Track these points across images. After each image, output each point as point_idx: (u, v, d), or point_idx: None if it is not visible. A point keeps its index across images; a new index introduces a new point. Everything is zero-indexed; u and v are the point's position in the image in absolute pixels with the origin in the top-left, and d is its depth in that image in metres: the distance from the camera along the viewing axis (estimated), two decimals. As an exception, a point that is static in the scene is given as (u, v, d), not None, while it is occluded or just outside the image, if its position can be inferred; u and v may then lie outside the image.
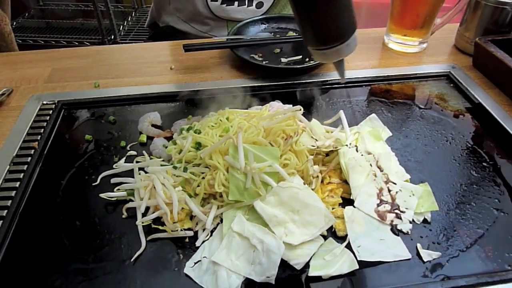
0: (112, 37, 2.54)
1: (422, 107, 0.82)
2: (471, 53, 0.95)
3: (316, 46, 0.54)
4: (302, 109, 0.64)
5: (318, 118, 0.73)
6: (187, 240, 0.56)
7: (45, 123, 0.76)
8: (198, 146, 0.63)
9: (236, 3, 1.13)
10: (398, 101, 0.84)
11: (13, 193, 0.62)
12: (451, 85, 0.89)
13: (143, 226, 0.57)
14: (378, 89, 0.88)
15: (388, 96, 0.85)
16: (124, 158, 0.68)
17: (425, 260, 0.54)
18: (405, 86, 0.89)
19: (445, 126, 0.77)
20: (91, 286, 0.51)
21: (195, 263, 0.53)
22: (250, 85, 0.87)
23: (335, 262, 0.53)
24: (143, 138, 0.73)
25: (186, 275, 0.52)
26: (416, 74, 0.91)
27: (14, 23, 2.62)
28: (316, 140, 0.65)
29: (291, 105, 0.76)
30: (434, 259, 0.54)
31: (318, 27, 0.52)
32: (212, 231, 0.57)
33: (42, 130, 0.74)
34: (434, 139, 0.74)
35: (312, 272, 0.52)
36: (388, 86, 0.89)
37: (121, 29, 2.65)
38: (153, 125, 0.76)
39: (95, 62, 0.96)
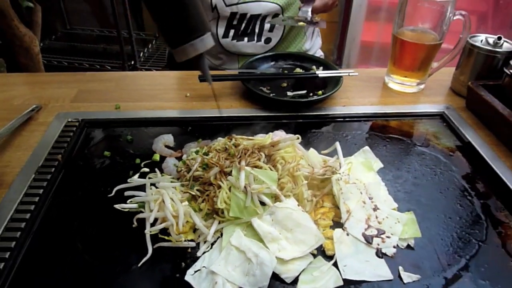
0: (132, 62, 2.68)
1: (416, 143, 0.88)
2: (465, 95, 1.02)
3: (175, 45, 0.69)
4: (300, 138, 0.71)
5: (317, 148, 0.80)
6: (189, 250, 0.62)
7: (69, 138, 0.84)
8: (205, 166, 0.70)
9: (245, 38, 1.22)
10: (394, 136, 0.90)
11: (36, 199, 0.69)
12: (444, 124, 0.95)
13: (150, 235, 0.63)
14: (375, 125, 0.94)
15: (384, 132, 0.92)
16: (138, 174, 0.75)
17: (405, 281, 0.59)
18: (401, 123, 0.95)
19: (435, 162, 0.83)
20: (100, 285, 0.57)
21: (195, 271, 0.59)
22: (258, 114, 0.94)
23: (322, 278, 0.58)
24: (157, 157, 0.80)
25: (187, 281, 0.58)
26: (412, 112, 0.98)
27: (41, 44, 2.77)
28: (312, 167, 0.71)
29: (292, 135, 0.83)
30: (413, 281, 0.59)
31: (175, 27, 0.68)
32: (212, 244, 0.63)
33: (66, 145, 0.82)
34: (423, 173, 0.80)
35: (300, 286, 0.57)
36: (385, 122, 0.95)
37: (141, 55, 2.79)
38: (166, 146, 0.83)
39: (118, 86, 1.05)
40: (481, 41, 1.00)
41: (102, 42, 3.05)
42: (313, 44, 1.39)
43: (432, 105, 1.02)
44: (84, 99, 0.99)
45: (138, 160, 0.79)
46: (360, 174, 0.73)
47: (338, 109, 0.97)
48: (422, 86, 1.08)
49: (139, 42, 2.95)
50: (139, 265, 0.60)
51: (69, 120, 0.90)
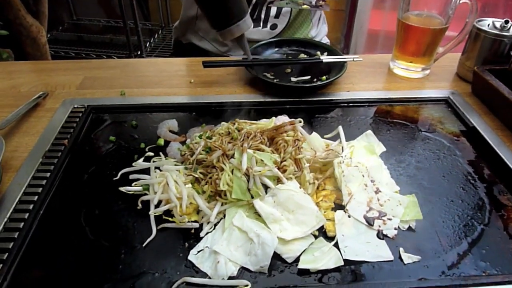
0: (139, 52, 2.68)
1: (420, 128, 0.88)
2: (471, 80, 1.01)
3: (222, 27, 0.85)
4: (302, 121, 0.71)
5: (321, 133, 0.80)
6: (192, 231, 0.63)
7: (75, 124, 0.85)
8: (208, 150, 0.71)
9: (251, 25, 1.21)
10: (398, 121, 0.90)
11: (43, 182, 0.71)
12: (449, 109, 0.95)
13: (155, 216, 0.64)
14: (380, 110, 0.94)
15: (388, 117, 0.92)
16: (143, 158, 0.76)
17: (405, 262, 0.59)
18: (405, 108, 0.95)
19: (439, 146, 0.83)
20: (105, 264, 0.59)
21: (198, 251, 0.60)
22: (262, 100, 0.94)
23: (322, 258, 0.59)
24: (161, 141, 0.81)
25: (190, 261, 0.59)
26: (416, 98, 0.97)
27: (49, 35, 2.79)
28: (314, 151, 0.72)
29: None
30: (414, 262, 0.60)
31: (221, 13, 0.84)
32: (215, 225, 0.64)
33: (72, 130, 0.83)
34: (426, 157, 0.80)
35: (301, 265, 0.58)
36: (389, 107, 0.95)
37: (147, 45, 2.80)
38: (170, 131, 0.84)
39: (123, 73, 1.06)
40: (488, 25, 0.99)
41: (108, 32, 3.06)
42: (319, 31, 1.39)
43: (437, 90, 1.01)
44: (89, 86, 1.00)
45: (142, 145, 0.80)
46: (363, 158, 0.73)
47: (342, 95, 0.97)
48: (427, 72, 1.07)
49: (145, 32, 2.95)
50: (144, 245, 0.61)
51: (75, 106, 0.91)
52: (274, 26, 1.24)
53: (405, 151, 0.81)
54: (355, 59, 1.03)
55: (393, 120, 0.91)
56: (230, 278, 0.57)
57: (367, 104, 0.95)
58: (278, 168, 0.66)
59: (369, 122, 0.90)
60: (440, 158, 0.80)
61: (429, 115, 0.93)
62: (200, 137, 0.76)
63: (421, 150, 0.82)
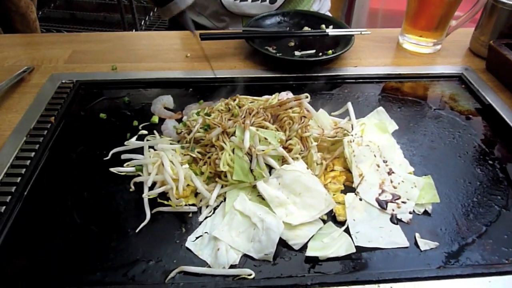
0: (133, 31, 2.59)
1: (432, 105, 0.83)
2: (485, 56, 0.95)
3: (161, 4, 0.81)
4: (309, 97, 0.66)
5: (326, 110, 0.75)
6: (190, 215, 0.58)
7: (63, 100, 0.79)
8: (207, 127, 0.65)
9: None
10: (408, 98, 0.85)
11: (27, 162, 0.65)
12: (463, 86, 0.89)
13: (149, 199, 0.59)
14: (389, 86, 0.88)
15: (398, 93, 0.86)
16: (136, 136, 0.71)
17: (422, 249, 0.55)
18: (416, 85, 0.89)
19: (453, 125, 0.77)
20: (95, 251, 0.54)
21: (197, 238, 0.55)
22: (263, 75, 0.88)
23: (332, 244, 0.54)
24: (155, 119, 0.75)
25: (187, 248, 0.54)
26: (428, 74, 0.92)
27: (40, 12, 2.68)
28: (322, 129, 0.66)
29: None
30: (431, 248, 0.55)
31: None
32: (215, 209, 0.59)
33: (59, 107, 0.77)
34: (441, 136, 0.74)
35: (309, 252, 0.53)
36: (399, 84, 0.89)
37: (142, 23, 2.71)
38: (165, 108, 0.78)
39: (114, 47, 0.99)
40: (505, -4, 0.92)
41: (102, 10, 2.95)
42: (322, 5, 1.32)
43: (449, 66, 0.95)
44: (79, 60, 0.93)
45: (135, 123, 0.75)
46: (374, 136, 0.68)
47: (349, 70, 0.91)
48: (438, 47, 1.01)
49: (140, 10, 2.85)
50: (137, 231, 0.56)
51: (63, 81, 0.85)
52: (273, 0, 1.17)
53: (418, 130, 0.76)
54: (363, 33, 0.96)
55: (403, 97, 0.85)
56: (231, 266, 0.52)
57: (375, 80, 0.90)
58: (283, 147, 0.61)
59: (378, 99, 0.84)
60: (455, 137, 0.74)
61: (441, 92, 0.87)
62: (197, 114, 0.70)
63: (434, 128, 0.76)
